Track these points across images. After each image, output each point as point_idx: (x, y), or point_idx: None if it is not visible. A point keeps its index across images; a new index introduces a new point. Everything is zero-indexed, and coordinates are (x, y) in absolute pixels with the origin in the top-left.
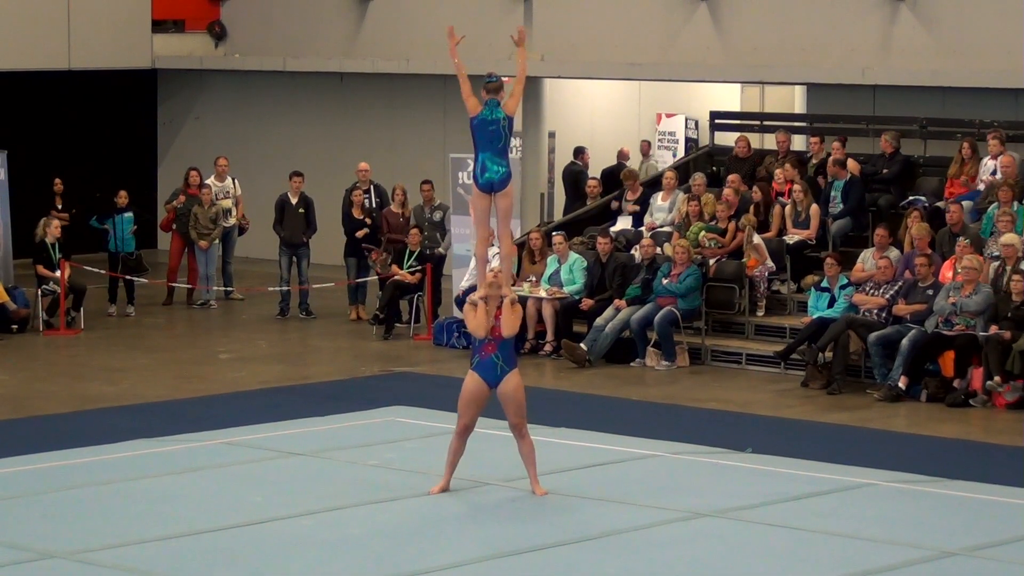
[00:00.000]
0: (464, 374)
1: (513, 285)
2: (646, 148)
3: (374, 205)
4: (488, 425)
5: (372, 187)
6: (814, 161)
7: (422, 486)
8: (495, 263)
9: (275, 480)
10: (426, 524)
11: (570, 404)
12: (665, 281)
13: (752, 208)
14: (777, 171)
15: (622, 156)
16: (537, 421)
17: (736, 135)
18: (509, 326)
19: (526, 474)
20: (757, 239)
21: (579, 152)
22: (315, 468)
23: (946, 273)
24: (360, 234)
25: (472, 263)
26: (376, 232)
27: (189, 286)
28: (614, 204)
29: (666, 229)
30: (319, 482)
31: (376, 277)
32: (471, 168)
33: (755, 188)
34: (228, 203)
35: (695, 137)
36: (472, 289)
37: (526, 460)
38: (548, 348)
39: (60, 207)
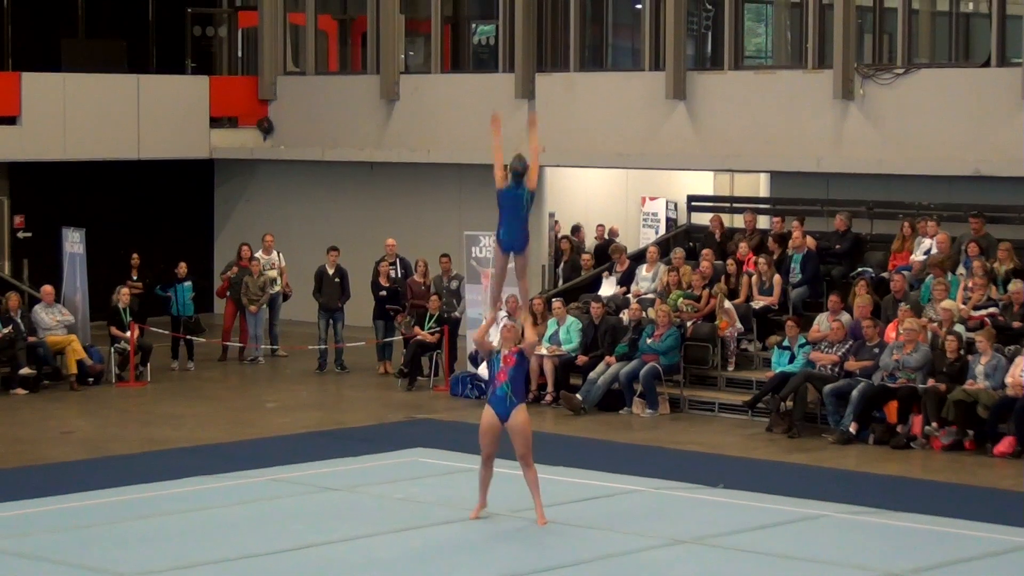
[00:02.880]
0: (476, 419)
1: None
2: (612, 232)
3: (399, 275)
4: (499, 464)
5: (398, 259)
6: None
7: (442, 516)
8: (504, 321)
9: (314, 511)
10: (445, 548)
11: (567, 446)
12: (649, 340)
13: (723, 278)
14: (742, 244)
15: (612, 234)
16: (539, 461)
17: (710, 215)
18: (530, 339)
19: (531, 504)
20: (728, 304)
21: (576, 230)
22: (349, 501)
23: (890, 334)
24: (382, 295)
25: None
26: (401, 298)
27: (241, 345)
28: (605, 275)
29: (650, 296)
30: (352, 513)
31: (401, 337)
32: (482, 243)
33: (729, 261)
34: (274, 273)
35: (674, 217)
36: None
37: (531, 487)
38: (548, 398)
39: (135, 277)
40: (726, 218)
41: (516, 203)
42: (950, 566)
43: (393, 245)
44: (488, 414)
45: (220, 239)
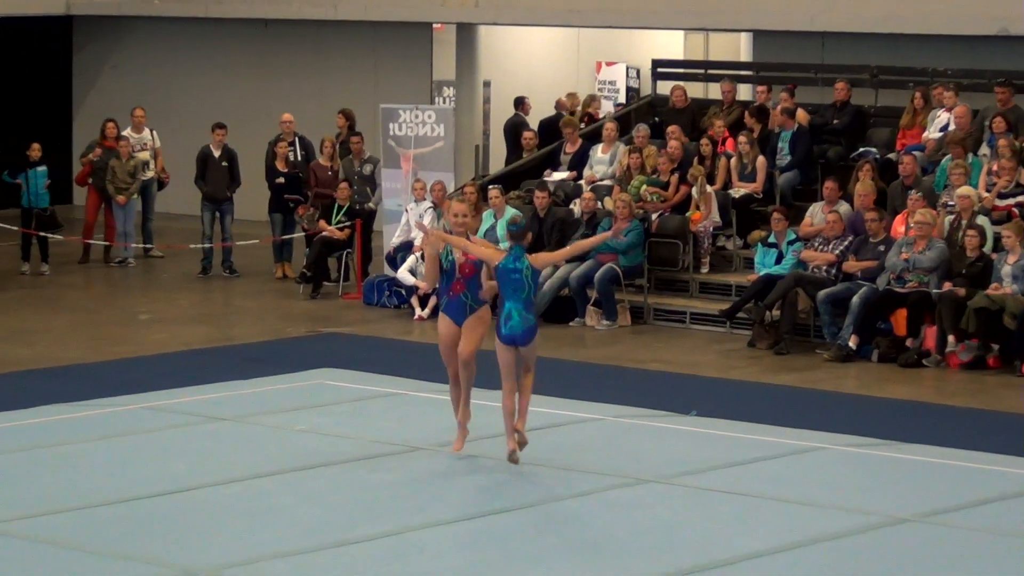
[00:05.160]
0: (396, 334)
1: None
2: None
3: (299, 158)
4: (422, 388)
5: (297, 139)
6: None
7: (353, 452)
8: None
9: (198, 447)
10: (358, 491)
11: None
12: None
13: (696, 160)
14: (718, 120)
15: (560, 106)
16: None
17: (677, 84)
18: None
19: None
20: (709, 189)
21: (520, 102)
22: (240, 434)
23: (898, 228)
24: (278, 182)
25: (403, 218)
26: (303, 186)
27: (106, 243)
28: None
29: (606, 182)
30: (244, 448)
31: (303, 233)
32: (401, 118)
33: (703, 140)
34: (147, 156)
35: (636, 87)
36: (403, 246)
37: (459, 403)
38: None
39: None
40: (699, 87)
41: (517, 280)
42: (970, 508)
43: (291, 122)
44: (445, 324)
45: (80, 114)
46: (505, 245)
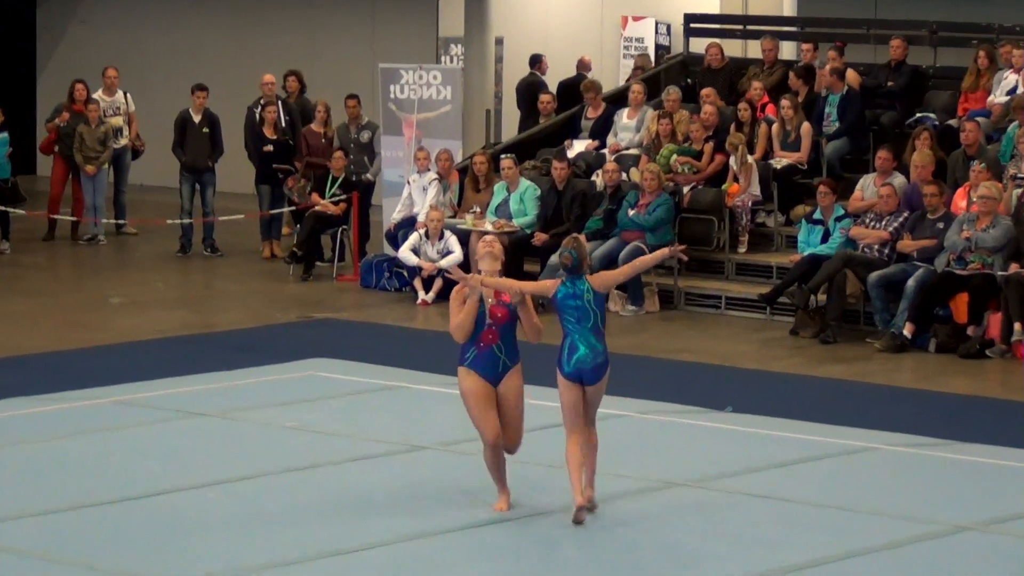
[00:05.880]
0: (396, 320)
1: (453, 216)
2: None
3: (283, 124)
4: (424, 381)
5: (280, 103)
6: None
7: (347, 452)
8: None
9: (175, 445)
10: (352, 496)
11: (521, 355)
12: (631, 212)
13: (733, 127)
14: (757, 82)
15: (582, 66)
16: None
17: (712, 41)
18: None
19: (466, 437)
20: (751, 160)
21: (536, 61)
22: (223, 431)
23: (959, 203)
24: (266, 150)
25: (405, 191)
26: (292, 155)
27: (74, 219)
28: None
29: (633, 152)
30: (227, 447)
31: (293, 208)
32: (403, 79)
33: (741, 105)
34: (119, 121)
35: (667, 44)
36: (405, 222)
37: (499, 470)
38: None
39: None
40: (737, 45)
41: (579, 307)
42: None
43: (273, 83)
44: (474, 381)
45: (45, 75)
46: (521, 221)
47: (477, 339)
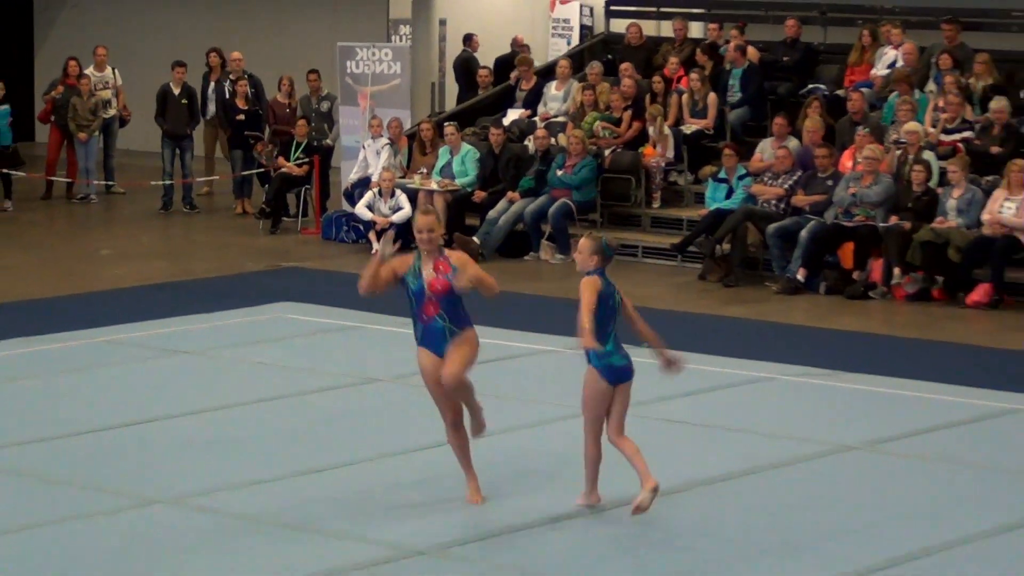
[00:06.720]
0: (354, 268)
1: (403, 177)
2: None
3: (248, 96)
4: (378, 321)
5: (246, 76)
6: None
7: (311, 384)
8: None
9: (158, 379)
10: (317, 423)
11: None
12: (559, 172)
13: (648, 97)
14: (671, 58)
15: (516, 44)
16: None
17: (631, 22)
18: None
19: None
20: (667, 130)
21: (468, 39)
22: (200, 366)
23: (846, 163)
24: (239, 119)
25: (360, 154)
26: (262, 123)
27: (68, 180)
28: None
29: (560, 119)
30: (204, 381)
31: (262, 170)
32: (359, 55)
33: (655, 78)
34: (108, 94)
35: (590, 24)
36: (360, 182)
37: (463, 451)
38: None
39: None
40: (652, 25)
41: (612, 308)
42: (915, 436)
43: (240, 59)
44: (425, 357)
45: (42, 52)
46: (462, 180)
47: (419, 312)
